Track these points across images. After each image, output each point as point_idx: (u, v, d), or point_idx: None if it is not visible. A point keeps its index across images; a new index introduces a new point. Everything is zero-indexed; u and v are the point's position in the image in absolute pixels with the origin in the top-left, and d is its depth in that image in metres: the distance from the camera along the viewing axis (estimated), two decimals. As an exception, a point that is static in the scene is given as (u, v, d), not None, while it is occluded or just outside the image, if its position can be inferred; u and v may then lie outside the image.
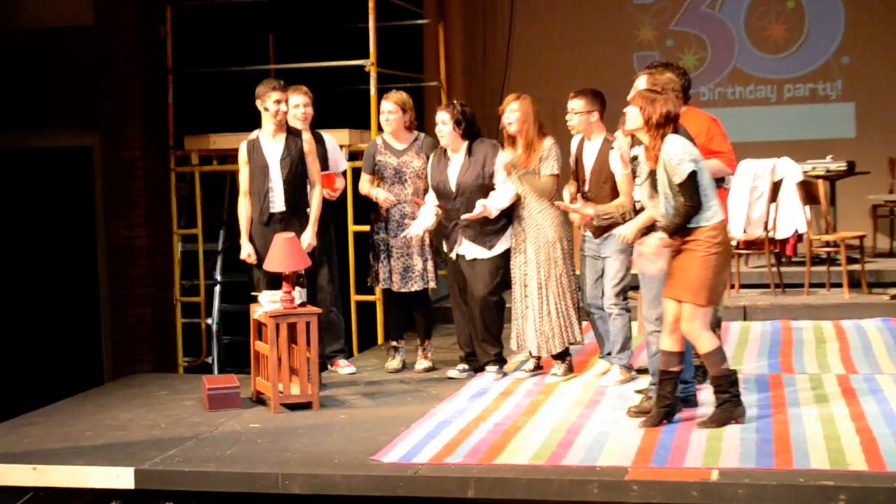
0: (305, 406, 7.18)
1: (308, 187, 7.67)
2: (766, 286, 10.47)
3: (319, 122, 9.14)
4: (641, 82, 6.89)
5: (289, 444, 6.40)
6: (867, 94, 12.51)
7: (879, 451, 5.86)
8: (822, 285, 10.55)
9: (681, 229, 6.35)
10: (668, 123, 6.34)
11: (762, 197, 10.68)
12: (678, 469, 5.73)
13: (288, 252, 7.15)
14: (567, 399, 7.24)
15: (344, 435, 6.59)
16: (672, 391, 6.52)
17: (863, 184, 11.55)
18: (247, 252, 7.61)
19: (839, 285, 10.29)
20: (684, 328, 6.43)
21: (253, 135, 7.66)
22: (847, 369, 7.92)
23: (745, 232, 10.58)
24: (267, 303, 7.28)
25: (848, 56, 12.62)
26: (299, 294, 7.28)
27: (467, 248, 7.80)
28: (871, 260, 11.20)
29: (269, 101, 7.52)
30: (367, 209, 9.02)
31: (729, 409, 6.48)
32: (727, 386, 6.49)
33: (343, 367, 8.34)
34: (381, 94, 9.65)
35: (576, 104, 7.53)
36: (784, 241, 11.18)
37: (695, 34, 12.98)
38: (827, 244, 10.44)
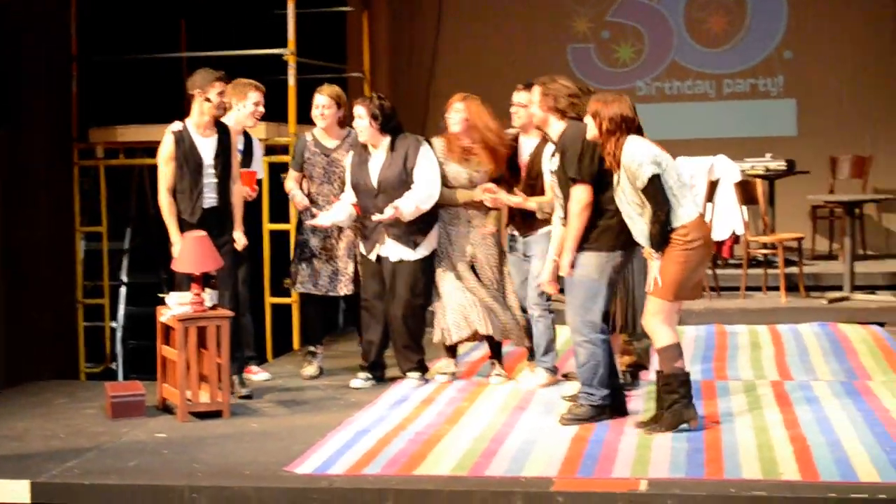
0: (215, 415, 7.16)
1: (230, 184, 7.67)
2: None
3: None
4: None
5: (197, 455, 6.37)
6: (809, 90, 12.70)
7: (813, 460, 5.98)
8: (758, 289, 10.74)
9: (665, 236, 6.45)
10: (624, 126, 6.46)
11: (698, 197, 10.82)
12: (606, 479, 5.80)
13: (199, 252, 7.13)
14: (491, 406, 7.30)
15: (255, 445, 6.58)
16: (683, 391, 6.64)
17: (802, 184, 11.72)
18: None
19: (776, 289, 10.47)
20: (645, 320, 6.62)
21: (175, 126, 7.58)
22: (782, 375, 8.07)
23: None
24: (175, 305, 7.25)
25: (790, 51, 12.80)
26: (210, 296, 7.27)
27: (391, 249, 7.83)
28: (810, 263, 11.41)
29: (212, 93, 7.48)
30: (286, 207, 9.05)
31: (679, 412, 6.59)
32: (676, 386, 6.60)
33: (256, 374, 8.33)
34: (300, 85, 9.70)
35: (522, 97, 7.61)
36: (720, 243, 11.36)
37: (632, 26, 13.09)
38: (764, 246, 10.62)
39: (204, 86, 7.51)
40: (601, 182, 6.68)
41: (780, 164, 11.41)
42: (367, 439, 6.60)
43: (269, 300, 9.70)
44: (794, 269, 10.64)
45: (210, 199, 7.55)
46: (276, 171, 9.64)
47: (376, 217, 7.71)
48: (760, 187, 10.62)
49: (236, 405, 7.37)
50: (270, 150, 9.70)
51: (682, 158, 11.18)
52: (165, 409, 7.41)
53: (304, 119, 9.60)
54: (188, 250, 7.15)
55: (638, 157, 6.42)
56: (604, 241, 6.71)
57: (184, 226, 7.52)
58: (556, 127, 6.91)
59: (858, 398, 7.30)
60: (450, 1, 13.09)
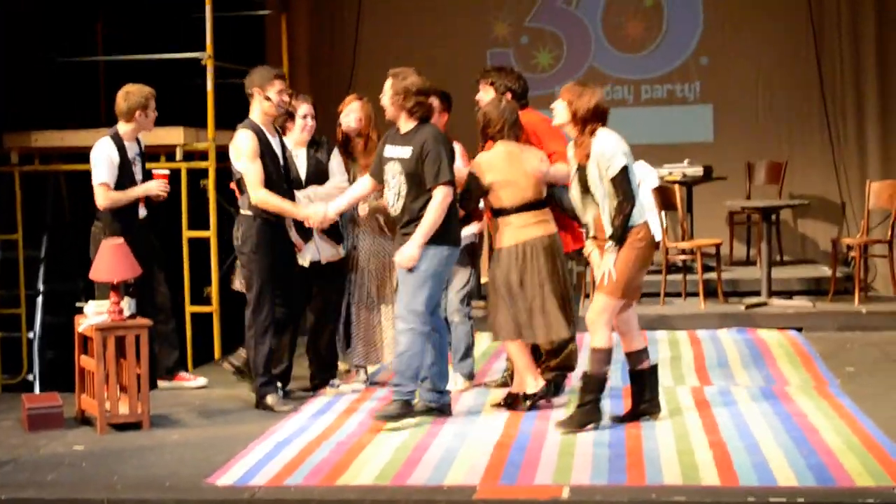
0: (135, 426, 7.12)
1: None
2: (654, 295, 10.71)
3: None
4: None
5: (116, 467, 6.34)
6: (725, 96, 12.84)
7: (732, 466, 6.08)
8: (677, 294, 10.87)
9: (626, 230, 6.61)
10: (597, 117, 6.66)
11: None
12: (528, 487, 5.86)
13: (116, 259, 7.09)
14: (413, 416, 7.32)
15: (176, 456, 6.55)
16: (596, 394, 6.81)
17: (720, 189, 11.86)
18: (315, 213, 7.38)
19: (695, 294, 10.61)
20: (589, 317, 6.75)
21: (247, 125, 7.49)
22: (702, 381, 8.19)
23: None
24: (93, 314, 7.20)
25: (706, 56, 12.95)
26: (129, 305, 7.22)
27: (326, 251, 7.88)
28: (728, 268, 11.56)
29: (271, 91, 7.42)
30: (205, 214, 9.00)
31: (590, 412, 6.79)
32: (595, 388, 6.78)
33: (191, 380, 8.29)
34: (218, 89, 9.65)
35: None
36: (640, 249, 11.46)
37: (550, 31, 13.17)
38: (683, 252, 10.75)
39: (263, 84, 7.46)
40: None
41: (697, 171, 11.55)
42: (290, 449, 6.60)
43: (189, 308, 9.63)
44: (712, 275, 10.79)
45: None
46: (196, 178, 9.60)
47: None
48: (678, 193, 10.76)
49: (156, 416, 7.32)
50: (188, 155, 9.64)
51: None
52: (84, 420, 7.35)
53: (222, 124, 9.57)
54: (106, 258, 7.09)
55: (612, 148, 6.62)
56: (435, 237, 6.91)
57: (276, 227, 7.45)
58: (406, 126, 7.03)
59: (777, 403, 7.44)
60: (369, 5, 13.07)
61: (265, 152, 7.45)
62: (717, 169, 11.77)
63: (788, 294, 10.83)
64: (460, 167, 7.42)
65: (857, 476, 5.86)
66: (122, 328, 7.08)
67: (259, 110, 7.52)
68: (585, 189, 6.78)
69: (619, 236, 6.65)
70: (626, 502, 5.64)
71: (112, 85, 10.92)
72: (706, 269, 10.74)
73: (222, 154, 10.05)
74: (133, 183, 8.10)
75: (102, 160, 8.01)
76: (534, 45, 13.18)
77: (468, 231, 7.68)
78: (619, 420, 7.00)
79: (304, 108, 7.91)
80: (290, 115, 7.85)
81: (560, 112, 6.76)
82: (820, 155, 12.49)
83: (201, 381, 8.34)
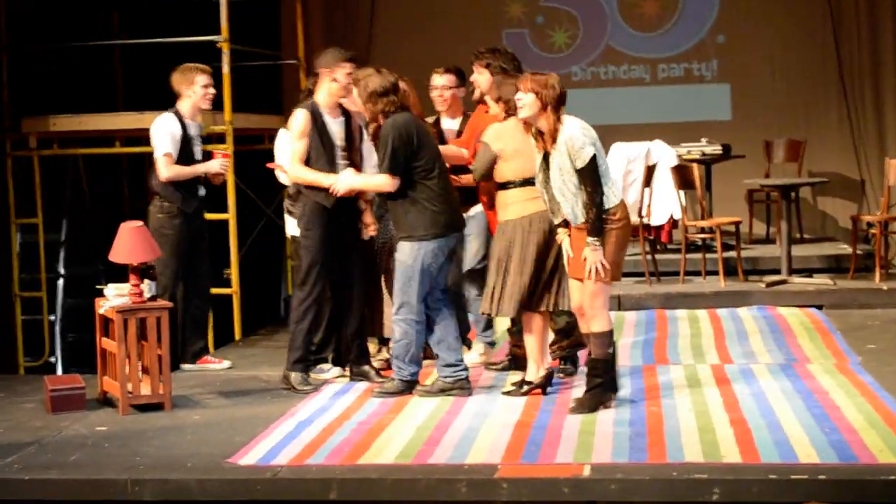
0: (157, 407, 7.16)
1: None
2: (641, 275, 10.72)
3: (165, 102, 9.05)
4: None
5: (139, 448, 6.37)
6: (743, 74, 12.79)
7: (754, 443, 6.08)
8: (697, 273, 10.85)
9: (602, 220, 6.61)
10: (562, 103, 6.67)
11: (636, 182, 10.93)
12: (549, 465, 5.87)
13: (135, 241, 7.10)
14: (435, 396, 7.34)
15: (198, 437, 6.58)
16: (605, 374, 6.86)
17: (739, 168, 11.84)
18: (343, 181, 7.35)
19: (715, 273, 10.60)
20: (586, 304, 6.79)
21: (307, 104, 7.52)
22: (722, 359, 8.19)
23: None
24: (114, 297, 7.23)
25: (723, 35, 12.90)
26: (149, 287, 7.25)
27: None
28: (747, 247, 11.54)
29: (339, 73, 7.43)
30: (224, 196, 9.02)
31: (599, 394, 6.80)
32: (602, 370, 6.80)
33: (217, 363, 8.34)
34: (234, 72, 9.67)
35: (443, 80, 7.88)
36: (659, 228, 11.47)
37: (566, 10, 13.13)
38: (702, 230, 10.73)
39: (332, 65, 7.47)
40: (410, 173, 7.07)
41: (715, 149, 11.52)
42: (311, 430, 6.62)
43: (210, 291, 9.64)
44: (732, 254, 10.77)
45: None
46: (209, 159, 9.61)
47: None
48: (697, 172, 10.73)
49: (178, 397, 7.36)
50: (206, 139, 9.63)
51: (618, 144, 11.29)
52: (106, 402, 7.38)
53: (239, 107, 9.60)
54: (125, 240, 7.11)
55: (581, 138, 6.58)
56: (416, 231, 7.09)
57: (319, 211, 7.48)
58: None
59: (797, 380, 7.44)
60: (384, -14, 13.06)
61: (320, 132, 7.46)
62: (735, 147, 11.74)
63: (808, 272, 10.80)
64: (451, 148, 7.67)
65: (878, 453, 5.85)
66: (142, 310, 7.11)
67: (326, 91, 7.53)
68: (548, 176, 6.78)
69: (598, 228, 6.62)
70: (648, 480, 5.64)
71: (128, 69, 11.00)
72: (726, 247, 10.72)
73: (240, 137, 10.12)
74: (193, 161, 8.17)
75: (164, 132, 8.08)
76: (549, 24, 13.15)
77: (477, 209, 7.75)
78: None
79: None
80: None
81: (529, 103, 6.65)
82: (838, 132, 12.46)
83: (226, 364, 8.37)
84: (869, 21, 12.25)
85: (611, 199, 6.67)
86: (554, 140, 6.64)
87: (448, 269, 7.41)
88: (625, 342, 8.84)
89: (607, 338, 6.81)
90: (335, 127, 7.55)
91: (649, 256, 10.71)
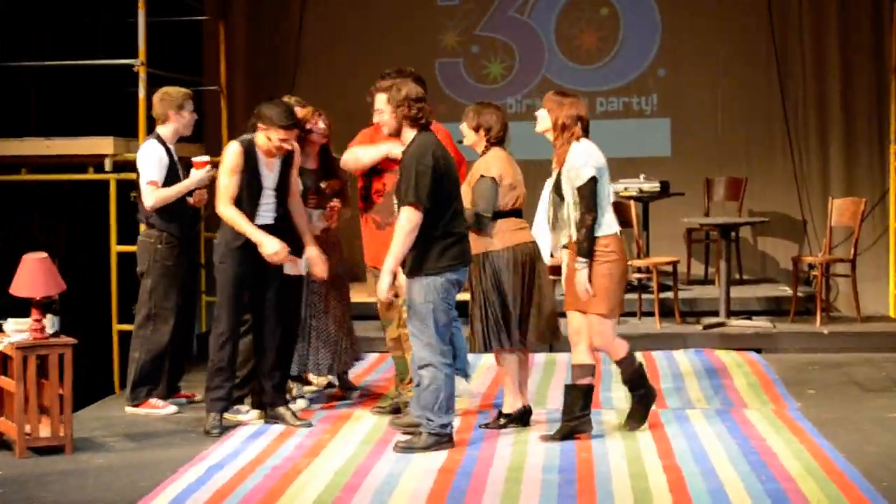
0: (57, 450, 7.03)
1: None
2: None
3: (79, 128, 8.97)
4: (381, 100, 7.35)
5: (37, 494, 6.25)
6: (684, 109, 12.88)
7: (687, 490, 6.08)
8: (633, 314, 10.88)
9: (592, 242, 6.93)
10: (575, 126, 7.06)
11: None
12: (473, 514, 5.83)
13: (38, 274, 6.99)
14: (354, 438, 7.27)
15: (101, 482, 6.47)
16: (582, 404, 7.14)
17: (677, 206, 11.90)
18: (276, 246, 7.37)
19: (651, 314, 10.63)
20: (596, 341, 7.18)
21: (244, 139, 7.53)
22: (657, 404, 8.15)
23: (552, 257, 10.77)
24: (13, 332, 7.10)
25: (664, 69, 12.99)
26: (51, 322, 7.12)
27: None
28: (685, 287, 11.59)
29: (273, 135, 7.40)
30: (135, 227, 8.90)
31: (575, 427, 7.14)
32: (641, 382, 7.38)
33: (163, 408, 8.18)
34: (150, 97, 9.56)
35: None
36: (593, 267, 11.47)
37: (502, 41, 13.17)
38: (639, 270, 10.76)
39: (268, 125, 7.42)
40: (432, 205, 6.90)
41: (654, 186, 11.57)
42: (222, 474, 6.53)
43: (117, 327, 9.52)
44: (668, 294, 10.81)
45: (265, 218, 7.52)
46: (126, 190, 9.50)
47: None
48: (634, 209, 10.78)
49: (80, 440, 7.22)
50: (118, 167, 9.55)
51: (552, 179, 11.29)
52: (2, 444, 7.24)
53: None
54: (27, 273, 7.00)
55: (583, 157, 7.01)
56: (426, 266, 6.92)
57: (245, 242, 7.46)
58: (409, 135, 7.06)
59: (734, 426, 7.45)
60: (312, 10, 13.00)
61: (251, 172, 7.46)
62: (674, 184, 11.80)
63: (748, 314, 10.87)
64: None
65: (816, 502, 5.88)
66: (44, 347, 6.99)
67: (260, 138, 7.53)
68: (559, 196, 7.17)
69: (586, 249, 6.94)
70: (576, 529, 5.62)
71: (42, 92, 10.85)
72: (662, 287, 10.76)
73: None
74: None
75: (153, 159, 8.11)
76: (485, 54, 13.17)
77: None
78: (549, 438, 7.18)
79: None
80: (306, 130, 7.93)
81: (542, 119, 7.17)
82: (781, 171, 12.56)
83: (172, 408, 8.22)
84: (814, 57, 12.38)
85: (604, 229, 7.02)
86: (561, 160, 7.07)
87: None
88: (556, 385, 8.82)
89: (588, 370, 7.20)
90: (267, 169, 7.51)
91: (584, 296, 10.69)
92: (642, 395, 7.38)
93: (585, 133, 7.15)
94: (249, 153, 7.47)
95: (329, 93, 11.66)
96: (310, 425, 7.57)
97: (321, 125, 8.08)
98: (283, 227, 7.56)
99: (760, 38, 12.60)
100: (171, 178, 8.13)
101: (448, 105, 12.56)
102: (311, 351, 8.09)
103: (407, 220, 6.83)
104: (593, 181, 6.97)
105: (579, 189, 6.97)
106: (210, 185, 8.03)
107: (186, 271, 8.23)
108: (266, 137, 7.44)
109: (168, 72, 10.22)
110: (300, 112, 7.89)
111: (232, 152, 7.48)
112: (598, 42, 13.11)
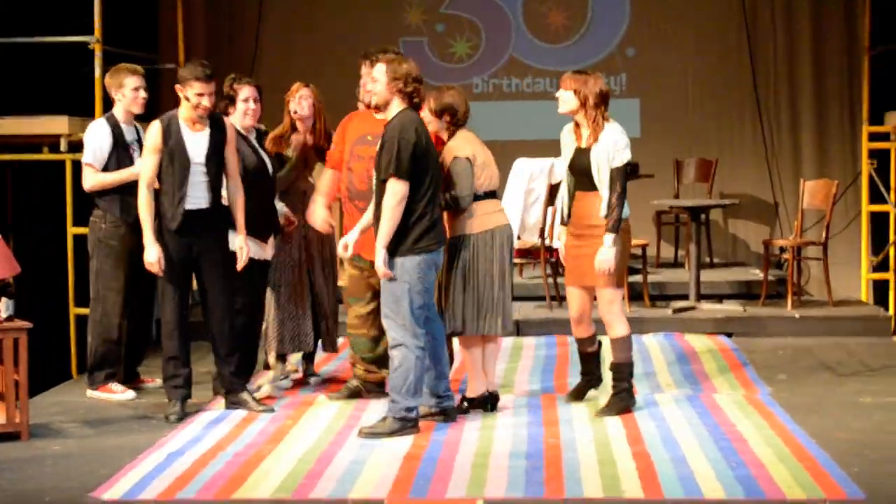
0: (13, 437, 7.01)
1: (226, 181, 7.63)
2: (542, 298, 10.77)
3: (32, 106, 8.89)
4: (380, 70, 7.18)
5: (-9, 481, 6.24)
6: (653, 90, 12.92)
7: (657, 477, 6.13)
8: (602, 298, 10.90)
9: (620, 222, 7.29)
10: (605, 102, 7.32)
11: (538, 201, 10.97)
12: (439, 501, 5.86)
13: (-7, 256, 6.96)
14: (318, 424, 7.29)
15: (58, 469, 6.46)
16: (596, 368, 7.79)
17: (647, 188, 11.93)
18: (155, 256, 7.41)
19: (620, 298, 10.66)
20: (604, 311, 7.45)
21: (166, 115, 7.53)
22: (625, 389, 8.23)
23: (518, 239, 10.84)
24: (-34, 317, 7.08)
25: (633, 48, 13.03)
26: (6, 306, 7.10)
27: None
28: (654, 271, 11.65)
29: (189, 92, 7.40)
30: (90, 208, 8.87)
31: (625, 398, 7.48)
32: (626, 374, 7.50)
33: (121, 392, 8.17)
34: (106, 76, 9.52)
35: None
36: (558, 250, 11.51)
37: (468, 19, 13.16)
38: (607, 253, 10.79)
39: (182, 82, 7.45)
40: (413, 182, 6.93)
41: (623, 167, 11.59)
42: (182, 461, 6.53)
43: (74, 311, 9.50)
44: (638, 278, 10.86)
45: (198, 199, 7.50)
46: (81, 170, 9.46)
47: None
48: (603, 191, 10.78)
49: (37, 426, 7.21)
50: (74, 146, 9.50)
51: (521, 160, 11.33)
52: (-45, 431, 7.21)
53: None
54: (-19, 255, 6.97)
55: (623, 139, 7.32)
56: (402, 246, 6.95)
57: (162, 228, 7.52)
58: (394, 110, 7.07)
59: (704, 412, 7.51)
60: (273, -15, 12.99)
61: (173, 149, 7.46)
62: (643, 166, 11.83)
63: (718, 298, 10.95)
64: None
65: (787, 488, 5.92)
66: (-2, 331, 6.97)
67: (183, 105, 7.54)
68: (576, 173, 7.45)
69: (617, 227, 7.28)
70: (544, 516, 5.66)
71: (-8, 69, 10.77)
72: (632, 271, 10.80)
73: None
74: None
75: (90, 140, 8.12)
76: (450, 33, 13.17)
77: None
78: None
79: (245, 92, 7.84)
80: (231, 100, 7.82)
81: (568, 100, 7.35)
82: (752, 152, 12.64)
83: (130, 394, 8.20)
84: (786, 35, 12.47)
85: (626, 211, 7.37)
86: (596, 137, 7.28)
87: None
88: (523, 369, 8.86)
89: (628, 342, 7.48)
90: (193, 142, 7.50)
91: (550, 280, 10.76)
92: (624, 388, 7.52)
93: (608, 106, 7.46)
94: (169, 128, 7.47)
95: (291, 69, 11.63)
96: (272, 411, 7.58)
97: (305, 105, 8.12)
98: (220, 212, 7.56)
99: (731, 17, 12.65)
100: (120, 159, 8.08)
101: (413, 84, 12.55)
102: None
103: (393, 193, 6.87)
104: (627, 166, 7.37)
105: (617, 170, 7.29)
106: None
107: (137, 253, 8.16)
108: (185, 98, 7.45)
109: (124, 49, 10.19)
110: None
111: (150, 131, 7.51)
112: (566, 20, 13.12)
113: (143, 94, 8.18)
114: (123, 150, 8.12)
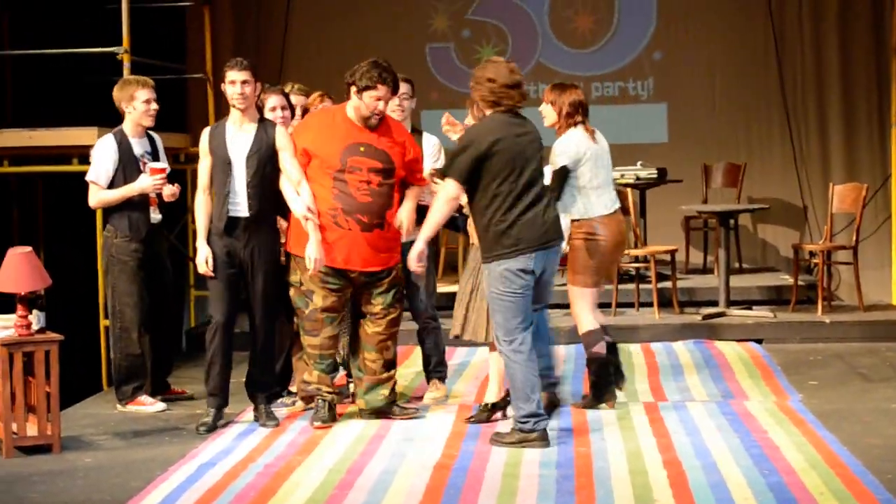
0: (45, 449, 7.05)
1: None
2: (568, 306, 10.73)
3: (60, 117, 8.92)
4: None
5: (24, 495, 6.26)
6: (681, 94, 12.90)
7: (688, 486, 6.11)
8: (630, 304, 10.91)
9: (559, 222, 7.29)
10: (577, 112, 7.68)
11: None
12: (470, 511, 5.86)
13: (23, 269, 6.99)
14: (348, 435, 7.30)
15: (90, 482, 6.49)
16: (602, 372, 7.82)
17: (675, 193, 11.91)
18: (203, 257, 7.47)
19: (649, 304, 10.65)
20: (571, 309, 7.84)
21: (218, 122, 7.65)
22: (656, 397, 8.23)
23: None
24: (-2, 328, 7.13)
25: (660, 52, 13.01)
26: (37, 318, 7.14)
27: None
28: (684, 277, 11.63)
29: (226, 85, 7.46)
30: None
31: (598, 394, 7.79)
32: (594, 369, 7.77)
33: (151, 405, 8.17)
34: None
35: (404, 88, 7.96)
36: (590, 256, 11.51)
37: (494, 24, 13.18)
38: (636, 259, 10.79)
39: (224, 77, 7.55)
40: (480, 189, 6.90)
41: (651, 173, 11.59)
42: (213, 473, 6.55)
43: (104, 322, 9.52)
44: (667, 284, 10.84)
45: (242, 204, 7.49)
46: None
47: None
48: (631, 197, 10.80)
49: (68, 439, 7.25)
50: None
51: (547, 167, 11.30)
52: (-12, 443, 7.25)
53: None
54: (12, 268, 7.00)
55: (565, 146, 7.62)
56: (485, 254, 6.98)
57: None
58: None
59: (735, 419, 7.49)
60: (299, -5, 13.02)
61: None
62: (671, 171, 11.83)
63: (748, 304, 10.91)
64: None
65: (819, 496, 5.90)
66: (30, 343, 7.00)
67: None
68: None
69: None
70: (575, 526, 5.66)
71: (20, 82, 10.85)
72: (661, 277, 10.79)
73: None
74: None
75: (96, 156, 8.12)
76: (476, 39, 13.18)
77: None
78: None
79: (272, 101, 7.86)
80: (259, 111, 7.76)
81: (548, 114, 7.76)
82: (780, 157, 12.61)
83: (160, 406, 8.21)
84: (813, 38, 12.43)
85: (580, 212, 7.69)
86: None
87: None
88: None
89: (592, 336, 7.71)
90: (235, 142, 7.52)
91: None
92: (593, 382, 7.85)
93: (585, 117, 7.78)
94: (215, 131, 7.56)
95: (317, 78, 11.63)
96: (277, 425, 7.53)
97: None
98: (268, 221, 7.56)
99: (758, 21, 12.63)
100: (128, 174, 8.05)
101: (439, 91, 12.59)
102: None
103: (441, 191, 7.02)
104: (563, 170, 7.65)
105: (554, 172, 7.64)
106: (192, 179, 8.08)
107: (153, 266, 8.18)
108: (226, 95, 7.54)
109: (152, 59, 10.24)
110: (303, 99, 8.08)
111: (201, 137, 7.65)
112: (593, 25, 13.13)
113: (154, 105, 8.15)
114: (132, 164, 8.08)
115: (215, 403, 7.60)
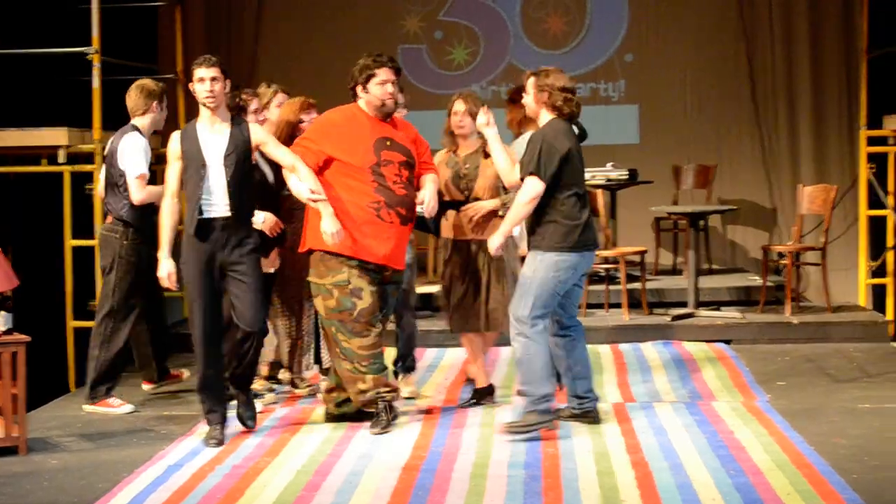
0: (10, 451, 7.01)
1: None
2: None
3: (30, 117, 8.87)
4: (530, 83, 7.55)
5: (-11, 496, 6.24)
6: (652, 96, 12.92)
7: (655, 487, 6.12)
8: (600, 306, 10.92)
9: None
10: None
11: (536, 208, 10.95)
12: (437, 512, 5.86)
13: (-10, 270, 6.96)
14: (316, 436, 7.28)
15: (55, 484, 6.46)
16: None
17: (645, 194, 11.96)
18: (166, 271, 7.23)
19: (618, 305, 10.67)
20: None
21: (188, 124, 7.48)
22: (624, 397, 8.24)
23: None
24: (-36, 330, 7.08)
25: (632, 53, 13.03)
26: (4, 319, 7.10)
27: None
28: (653, 278, 11.65)
29: (194, 82, 7.24)
30: (91, 221, 8.88)
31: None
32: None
33: (118, 407, 8.13)
34: (105, 86, 9.53)
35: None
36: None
37: (466, 25, 13.18)
38: (605, 260, 10.79)
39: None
40: (559, 188, 7.12)
41: (621, 174, 11.60)
42: (180, 474, 6.53)
43: (72, 324, 9.49)
44: (636, 285, 10.86)
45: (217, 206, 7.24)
46: (81, 182, 9.48)
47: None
48: (601, 198, 10.81)
49: (34, 440, 7.21)
50: (73, 158, 9.51)
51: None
52: (-47, 445, 7.21)
53: (110, 124, 9.47)
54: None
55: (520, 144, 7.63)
56: (559, 243, 7.14)
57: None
58: (545, 120, 7.33)
59: (703, 419, 7.51)
60: (270, -5, 13.00)
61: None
62: (642, 172, 11.83)
63: (716, 304, 10.93)
64: None
65: (786, 496, 5.92)
66: (-5, 345, 6.97)
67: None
68: None
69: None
70: (542, 527, 5.65)
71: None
72: (630, 278, 10.81)
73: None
74: (156, 181, 8.17)
75: (139, 150, 8.01)
76: (448, 40, 13.18)
77: None
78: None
79: (255, 104, 7.86)
80: (242, 110, 7.69)
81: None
82: (751, 158, 12.63)
83: (128, 407, 8.17)
84: (783, 41, 12.43)
85: None
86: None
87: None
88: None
89: None
90: (209, 143, 7.38)
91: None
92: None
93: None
94: (186, 132, 7.32)
95: (289, 79, 11.62)
96: (254, 426, 7.46)
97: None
98: (245, 223, 7.33)
99: (729, 24, 12.65)
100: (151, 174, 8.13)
101: (411, 93, 12.56)
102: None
103: (527, 190, 7.10)
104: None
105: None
106: None
107: (150, 267, 8.16)
108: (195, 94, 7.32)
109: (123, 59, 10.20)
110: (290, 104, 8.03)
111: (170, 141, 7.34)
112: (565, 26, 13.13)
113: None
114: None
115: (217, 419, 7.32)
